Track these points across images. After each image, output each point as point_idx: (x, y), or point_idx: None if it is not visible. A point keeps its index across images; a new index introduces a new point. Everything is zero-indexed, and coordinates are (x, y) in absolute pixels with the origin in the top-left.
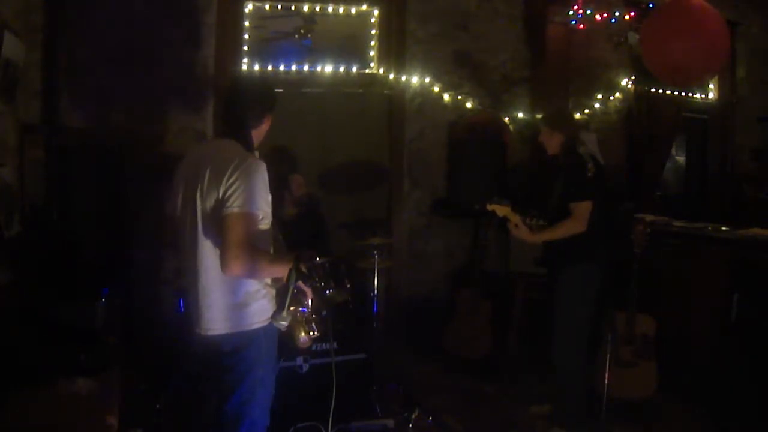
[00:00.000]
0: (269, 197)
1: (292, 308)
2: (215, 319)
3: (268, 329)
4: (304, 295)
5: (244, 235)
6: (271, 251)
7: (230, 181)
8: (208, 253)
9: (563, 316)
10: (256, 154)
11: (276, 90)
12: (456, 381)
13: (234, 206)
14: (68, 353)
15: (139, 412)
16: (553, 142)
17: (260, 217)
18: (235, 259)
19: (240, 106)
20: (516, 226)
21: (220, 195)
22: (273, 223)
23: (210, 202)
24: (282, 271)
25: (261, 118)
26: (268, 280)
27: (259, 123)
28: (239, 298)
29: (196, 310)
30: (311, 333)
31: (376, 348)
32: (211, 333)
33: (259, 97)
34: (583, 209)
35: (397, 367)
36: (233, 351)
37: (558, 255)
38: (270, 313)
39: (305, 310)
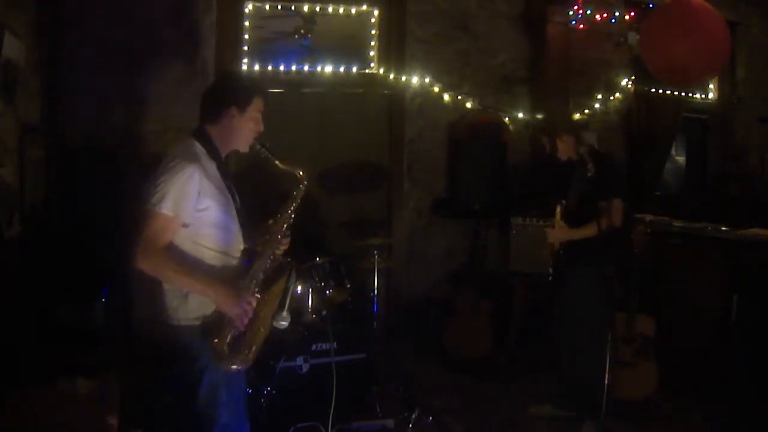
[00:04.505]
0: (200, 203)
1: (227, 337)
2: (156, 308)
3: (203, 330)
4: (231, 322)
5: (149, 232)
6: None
7: (155, 180)
8: None
9: (588, 316)
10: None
11: (249, 82)
12: (456, 381)
13: (146, 202)
14: (68, 353)
15: (139, 412)
16: (570, 146)
17: (174, 220)
18: (137, 253)
19: (201, 105)
20: (561, 225)
21: None
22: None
23: None
24: (197, 288)
25: (218, 111)
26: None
27: (217, 117)
28: (163, 292)
29: None
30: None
31: (376, 348)
32: (159, 322)
33: (215, 90)
34: (618, 206)
35: (397, 367)
36: (181, 348)
37: (578, 255)
38: (196, 313)
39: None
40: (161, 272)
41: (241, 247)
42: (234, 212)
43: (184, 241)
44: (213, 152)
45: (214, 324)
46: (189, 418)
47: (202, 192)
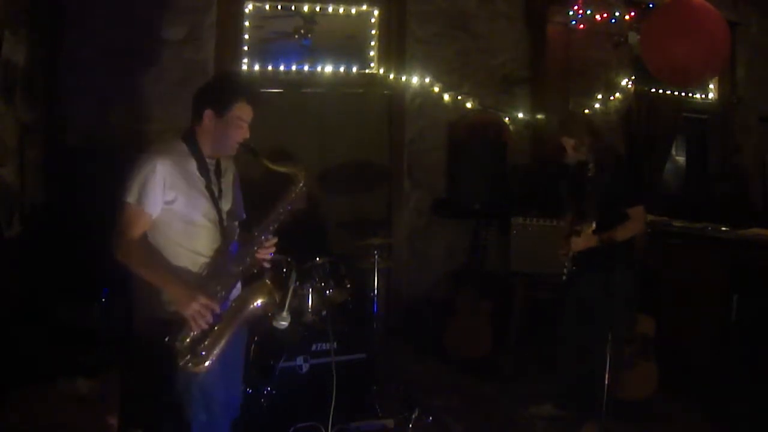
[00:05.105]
0: (167, 195)
1: (187, 338)
2: (152, 303)
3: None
4: (187, 323)
5: (120, 223)
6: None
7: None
8: None
9: (590, 318)
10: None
11: (233, 86)
12: (456, 381)
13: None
14: (68, 353)
15: (139, 412)
16: (585, 147)
17: (140, 211)
18: (112, 245)
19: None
20: (588, 234)
21: None
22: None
23: None
24: (157, 283)
25: (200, 112)
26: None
27: (197, 118)
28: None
29: None
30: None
31: (376, 348)
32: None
33: (199, 90)
34: (640, 211)
35: (397, 367)
36: (153, 340)
37: (584, 261)
38: (158, 312)
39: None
40: (130, 263)
41: (215, 246)
42: (213, 212)
43: (157, 236)
44: (195, 152)
45: (178, 322)
46: (172, 415)
47: (169, 184)
